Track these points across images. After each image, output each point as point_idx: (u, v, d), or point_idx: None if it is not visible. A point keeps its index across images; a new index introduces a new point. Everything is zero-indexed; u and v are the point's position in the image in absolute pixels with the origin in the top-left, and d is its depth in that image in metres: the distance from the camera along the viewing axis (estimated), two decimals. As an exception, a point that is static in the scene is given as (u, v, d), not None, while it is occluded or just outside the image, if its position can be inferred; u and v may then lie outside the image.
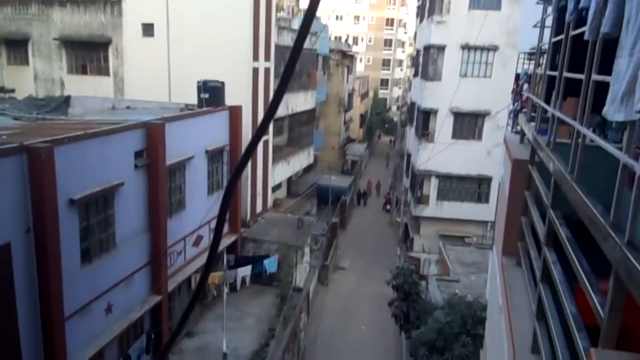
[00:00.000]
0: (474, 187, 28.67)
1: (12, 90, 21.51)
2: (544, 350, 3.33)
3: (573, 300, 3.16)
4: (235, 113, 18.07)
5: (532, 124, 7.10)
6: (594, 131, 4.42)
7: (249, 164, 20.93)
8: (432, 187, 28.55)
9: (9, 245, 8.78)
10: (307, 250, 21.89)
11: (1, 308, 8.72)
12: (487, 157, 26.97)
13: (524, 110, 9.43)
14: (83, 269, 10.97)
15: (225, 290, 12.65)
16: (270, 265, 18.73)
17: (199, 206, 15.95)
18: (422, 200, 28.93)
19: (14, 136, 10.97)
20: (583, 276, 2.85)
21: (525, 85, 10.38)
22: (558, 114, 5.18)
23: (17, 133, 11.82)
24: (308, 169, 33.95)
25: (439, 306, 16.03)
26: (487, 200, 28.18)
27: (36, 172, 9.05)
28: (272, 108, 1.44)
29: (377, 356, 20.49)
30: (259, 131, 1.48)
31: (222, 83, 17.53)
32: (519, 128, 9.19)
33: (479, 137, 27.55)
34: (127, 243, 12.48)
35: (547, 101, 6.48)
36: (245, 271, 18.07)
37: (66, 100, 18.79)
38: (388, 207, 39.22)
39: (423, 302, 17.35)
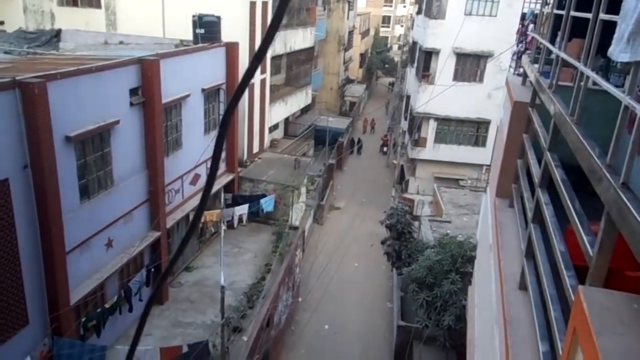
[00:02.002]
0: (472, 131, 28.59)
1: (1, 23, 20.80)
2: (531, 287, 3.46)
3: (563, 241, 3.24)
4: (231, 50, 17.61)
5: (536, 65, 6.99)
6: (597, 74, 4.36)
7: (246, 104, 20.69)
8: (430, 130, 28.45)
9: (7, 180, 8.82)
10: (303, 190, 22.10)
11: (2, 242, 8.89)
12: (488, 100, 26.70)
13: (528, 51, 9.25)
14: (82, 206, 11.09)
15: (223, 227, 12.88)
16: (266, 204, 18.97)
17: (196, 145, 15.91)
18: (419, 142, 28.92)
19: (6, 71, 10.73)
20: (575, 216, 2.91)
21: (531, 26, 10.12)
22: (562, 55, 5.09)
23: (8, 68, 11.55)
24: (305, 110, 33.61)
25: (430, 245, 16.45)
26: (484, 144, 28.21)
27: (30, 108, 8.93)
28: (267, 38, 1.39)
29: (368, 291, 21.26)
30: (253, 63, 1.44)
31: (218, 18, 16.96)
32: (521, 70, 9.06)
33: (481, 80, 27.15)
34: (125, 181, 12.55)
35: (552, 42, 6.35)
36: (242, 209, 18.32)
37: (57, 34, 18.21)
38: (385, 149, 39.24)
39: (415, 241, 17.78)
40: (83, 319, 11.48)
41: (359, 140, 39.17)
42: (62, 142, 10.07)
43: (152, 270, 13.89)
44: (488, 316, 4.95)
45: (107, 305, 12.19)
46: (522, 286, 3.85)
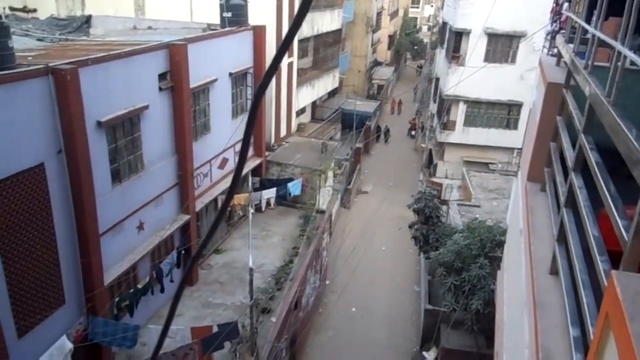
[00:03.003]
0: (503, 113, 27.94)
1: (34, 10, 21.28)
2: (563, 271, 3.38)
3: (596, 225, 3.14)
4: (259, 33, 17.58)
5: (570, 45, 6.76)
6: (634, 53, 4.18)
7: (273, 88, 20.70)
8: (459, 113, 27.93)
9: (43, 165, 9.11)
10: (330, 174, 22.10)
11: (40, 225, 9.22)
12: (520, 82, 25.98)
13: (563, 31, 8.94)
14: (114, 189, 11.38)
15: (251, 210, 13.03)
16: (294, 188, 19.07)
17: (224, 129, 16.05)
18: (448, 126, 28.45)
19: (39, 58, 10.99)
20: (609, 200, 2.82)
21: (565, 4, 9.75)
22: (598, 34, 4.90)
23: (41, 54, 11.83)
24: (333, 93, 33.43)
25: (458, 229, 16.26)
26: (515, 127, 27.56)
27: (63, 94, 9.15)
28: (295, 23, 1.37)
29: (396, 274, 21.25)
30: (282, 48, 1.42)
31: (245, 1, 16.93)
32: (555, 50, 8.78)
33: (513, 61, 26.41)
34: (155, 165, 12.80)
35: (588, 21, 6.11)
36: (269, 193, 18.47)
37: (87, 21, 18.53)
38: (413, 132, 38.76)
39: (443, 225, 17.61)
40: (116, 299, 11.87)
41: (387, 128, 37.74)
42: (94, 127, 10.31)
43: (182, 252, 14.20)
44: (517, 300, 4.88)
45: (139, 286, 12.55)
46: (553, 271, 3.77)
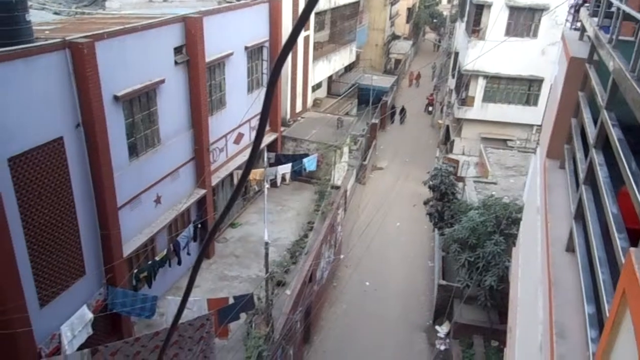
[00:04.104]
0: (524, 89, 27.36)
1: (51, -17, 21.23)
2: (579, 249, 3.34)
3: (615, 203, 3.09)
4: (275, 6, 17.34)
5: (594, 19, 6.53)
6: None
7: (289, 62, 20.51)
8: (478, 88, 27.41)
9: (62, 139, 9.23)
10: (345, 149, 22.02)
11: (60, 198, 9.40)
12: (541, 56, 25.32)
13: (587, 4, 8.64)
14: (131, 163, 11.51)
15: (266, 185, 13.09)
16: (309, 163, 19.07)
17: (239, 104, 16.03)
18: (466, 101, 27.99)
19: (56, 32, 11.02)
20: (630, 177, 2.75)
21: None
22: (623, 7, 4.73)
23: (58, 28, 11.85)
24: (349, 68, 33.03)
25: (474, 206, 16.17)
26: (535, 103, 26.99)
27: (80, 68, 9.20)
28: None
29: (410, 250, 21.31)
30: (300, 21, 1.39)
31: (260, -27, 16.65)
32: (578, 24, 8.50)
33: (535, 35, 25.69)
34: (171, 139, 12.88)
35: (614, -9, 5.89)
36: (285, 168, 18.51)
37: (103, -6, 18.45)
38: (430, 108, 38.24)
39: (458, 202, 17.51)
40: (135, 271, 12.14)
41: (403, 108, 36.20)
42: (111, 101, 10.38)
43: (199, 226, 14.39)
44: (532, 277, 4.86)
45: (157, 258, 12.80)
46: (569, 248, 3.73)
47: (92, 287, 10.69)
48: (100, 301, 10.83)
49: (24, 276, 8.66)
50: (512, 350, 5.77)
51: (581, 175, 4.16)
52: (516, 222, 13.66)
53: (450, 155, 26.86)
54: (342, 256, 20.15)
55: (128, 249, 11.54)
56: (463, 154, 26.76)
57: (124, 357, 9.91)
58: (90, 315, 10.30)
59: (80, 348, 9.91)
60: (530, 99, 27.34)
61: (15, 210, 8.43)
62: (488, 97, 27.54)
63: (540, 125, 16.74)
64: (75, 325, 9.99)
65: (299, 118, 22.49)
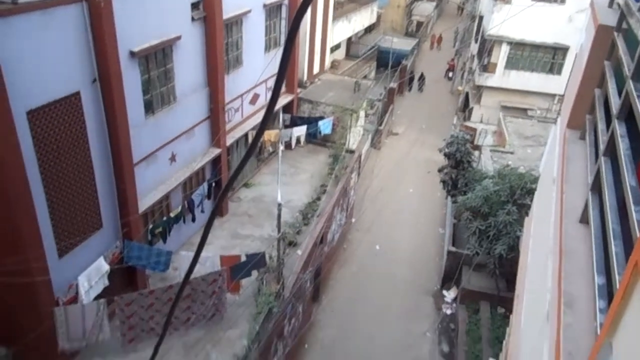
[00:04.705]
0: (548, 57, 26.59)
1: None
2: (593, 220, 3.32)
3: (634, 175, 3.03)
4: (294, -37, 16.87)
5: (627, -18, 6.23)
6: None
7: (308, 21, 20.11)
8: (501, 55, 26.71)
9: (79, 93, 9.26)
10: (362, 114, 21.81)
11: (77, 152, 9.52)
12: (568, 24, 24.45)
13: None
14: (147, 120, 11.56)
15: (281, 147, 13.10)
16: (324, 126, 18.97)
17: (256, 63, 15.86)
18: (488, 68, 27.34)
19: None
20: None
21: None
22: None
23: (75, -21, 11.68)
24: (369, 29, 32.31)
25: (489, 175, 16.03)
26: (559, 72, 26.28)
27: (97, 22, 9.11)
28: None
29: (421, 216, 21.37)
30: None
31: None
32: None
33: (562, 1, 24.74)
34: (187, 97, 12.86)
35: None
36: (300, 131, 18.46)
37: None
38: (450, 74, 37.42)
39: (473, 170, 17.36)
40: (150, 226, 12.39)
41: (422, 75, 35.10)
42: (127, 57, 10.33)
43: (213, 184, 14.55)
44: (543, 247, 4.86)
45: (172, 215, 13.03)
46: (583, 219, 3.71)
47: (109, 240, 10.97)
48: (116, 254, 11.13)
49: (43, 226, 8.90)
50: (518, 317, 5.84)
51: (601, 147, 4.08)
52: (530, 192, 13.54)
53: (468, 123, 26.48)
54: (353, 220, 20.30)
55: (143, 204, 11.74)
56: (481, 122, 26.35)
57: (138, 307, 10.26)
58: (106, 267, 10.62)
59: (96, 298, 10.27)
60: (554, 68, 26.61)
61: (34, 163, 8.58)
62: (511, 64, 26.86)
63: (562, 95, 16.33)
64: (92, 276, 10.32)
65: (316, 80, 22.24)
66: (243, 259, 11.82)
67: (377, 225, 19.35)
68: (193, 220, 13.95)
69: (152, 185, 12.23)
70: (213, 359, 10.90)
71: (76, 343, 9.90)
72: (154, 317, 10.50)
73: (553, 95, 26.49)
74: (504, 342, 8.84)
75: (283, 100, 18.65)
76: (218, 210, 14.80)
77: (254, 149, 2.01)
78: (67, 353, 10.12)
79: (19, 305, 9.22)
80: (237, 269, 11.56)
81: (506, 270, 14.41)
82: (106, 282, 10.69)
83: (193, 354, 10.27)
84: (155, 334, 10.62)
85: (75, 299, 10.06)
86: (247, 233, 14.93)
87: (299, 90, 19.95)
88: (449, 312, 16.47)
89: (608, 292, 2.71)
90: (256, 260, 11.76)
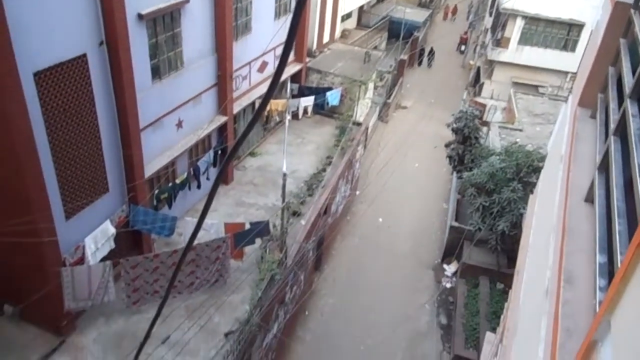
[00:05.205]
0: (562, 33, 26.04)
1: None
2: (599, 199, 3.31)
3: (643, 156, 3.00)
4: None
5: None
6: None
7: (318, -12, 19.69)
8: (515, 29, 26.18)
9: (85, 56, 9.18)
10: (371, 85, 21.59)
11: (84, 115, 9.51)
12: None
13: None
14: (154, 85, 11.49)
15: (288, 117, 13.02)
16: (332, 97, 18.82)
17: (265, 30, 15.62)
18: (501, 43, 26.85)
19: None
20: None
21: None
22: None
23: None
24: (381, -1, 31.60)
25: (496, 152, 15.95)
26: (573, 49, 25.80)
27: (104, -18, 8.97)
28: None
29: (426, 190, 21.40)
30: None
31: None
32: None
33: (580, -26, 24.07)
34: (195, 63, 12.74)
35: None
36: (307, 101, 18.32)
37: None
38: (462, 48, 36.75)
39: (480, 147, 17.27)
40: (156, 192, 12.48)
41: (431, 50, 34.22)
42: (134, 19, 10.20)
43: (219, 152, 14.56)
44: (546, 224, 4.86)
45: (177, 181, 13.10)
46: (588, 198, 3.70)
47: (115, 204, 11.07)
48: (122, 218, 11.25)
49: (50, 188, 8.98)
50: (517, 291, 5.89)
51: (612, 126, 4.03)
52: (537, 170, 13.49)
53: (478, 99, 26.18)
54: (357, 192, 20.35)
55: (150, 170, 11.80)
56: (491, 97, 26.04)
57: (143, 270, 10.45)
58: (112, 230, 10.76)
59: (102, 261, 10.44)
60: (568, 44, 26.10)
61: (41, 125, 8.59)
62: (525, 40, 26.36)
63: (574, 73, 16.06)
64: (98, 238, 10.47)
65: (326, 49, 21.93)
66: (247, 227, 11.93)
67: (381, 198, 19.41)
68: (198, 187, 14.03)
69: (159, 150, 12.26)
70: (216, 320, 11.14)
71: (82, 303, 10.13)
72: (159, 280, 10.70)
73: (565, 73, 26.07)
74: (502, 317, 8.96)
75: (291, 69, 18.45)
76: (223, 177, 14.87)
77: (259, 116, 2.00)
78: (72, 312, 10.37)
79: (26, 265, 9.40)
80: (241, 236, 11.69)
81: (507, 247, 14.50)
82: (112, 245, 10.85)
83: (196, 316, 10.50)
84: (159, 297, 10.85)
85: (81, 261, 10.24)
86: (251, 201, 15.02)
87: (307, 59, 19.70)
88: (448, 285, 16.67)
89: (609, 271, 2.72)
90: (260, 229, 11.87)
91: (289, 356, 13.84)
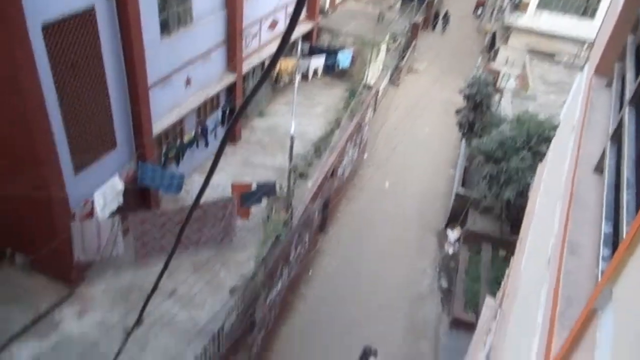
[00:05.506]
0: (582, -1, 25.15)
1: None
2: (608, 170, 3.28)
3: (658, 126, 2.95)
4: None
5: None
6: None
7: (333, -56, 19.03)
8: (534, -8, 25.33)
9: (93, 9, 9.03)
10: (383, 47, 21.15)
11: (92, 70, 9.44)
12: (610, -39, 22.89)
13: None
14: (163, 41, 11.32)
15: (297, 78, 12.85)
16: (343, 59, 18.50)
17: (276, -13, 15.24)
18: (520, 6, 26.02)
19: None
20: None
21: None
22: None
23: None
24: (397, -44, 30.48)
25: (507, 120, 15.74)
26: (592, 16, 24.97)
27: None
28: None
29: (434, 156, 21.29)
30: None
31: None
32: None
33: None
34: (204, 19, 12.50)
35: None
36: (318, 62, 18.05)
37: None
38: (479, 11, 35.68)
39: (491, 114, 17.02)
40: (164, 149, 12.51)
41: (446, 14, 32.89)
42: (144, -29, 9.96)
43: (227, 111, 14.49)
44: (553, 193, 4.85)
45: (185, 139, 13.11)
46: (598, 169, 3.66)
47: (123, 160, 11.14)
48: (130, 173, 11.34)
49: (59, 142, 9.02)
50: (520, 258, 5.95)
51: (627, 95, 3.94)
52: (547, 140, 13.33)
53: (492, 65, 25.64)
54: (365, 155, 20.29)
55: (158, 127, 11.79)
56: (506, 63, 25.47)
57: (151, 226, 10.61)
58: (121, 185, 10.86)
59: (111, 216, 10.59)
60: (587, 11, 25.25)
61: (49, 79, 8.55)
62: (544, 4, 25.53)
63: (592, 42, 15.64)
64: (107, 193, 10.59)
65: (338, 8, 21.40)
66: (254, 187, 12.00)
67: (389, 163, 19.35)
68: (206, 145, 14.04)
69: (167, 108, 12.21)
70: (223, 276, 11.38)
71: (91, 255, 10.35)
72: (166, 235, 10.87)
73: (582, 42, 25.36)
74: (502, 283, 9.07)
75: (302, 28, 18.08)
76: (230, 136, 14.85)
77: (268, 74, 1.97)
78: (82, 264, 10.62)
79: (37, 217, 9.56)
80: (247, 196, 11.77)
81: (512, 215, 14.52)
82: (120, 200, 10.98)
83: (202, 271, 10.72)
84: (167, 252, 11.03)
85: (91, 215, 10.40)
86: (259, 162, 15.05)
87: (319, 18, 19.27)
88: (450, 251, 16.81)
89: (613, 241, 2.72)
90: (267, 189, 11.94)
91: (291, 313, 14.18)
